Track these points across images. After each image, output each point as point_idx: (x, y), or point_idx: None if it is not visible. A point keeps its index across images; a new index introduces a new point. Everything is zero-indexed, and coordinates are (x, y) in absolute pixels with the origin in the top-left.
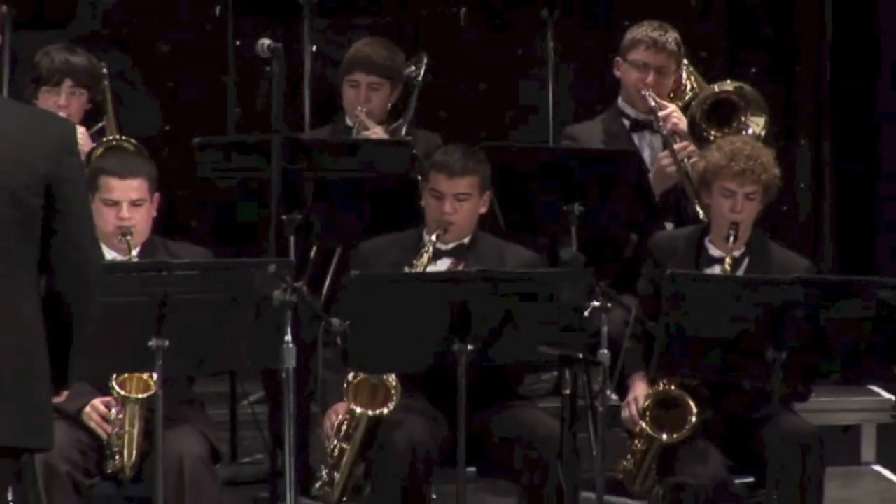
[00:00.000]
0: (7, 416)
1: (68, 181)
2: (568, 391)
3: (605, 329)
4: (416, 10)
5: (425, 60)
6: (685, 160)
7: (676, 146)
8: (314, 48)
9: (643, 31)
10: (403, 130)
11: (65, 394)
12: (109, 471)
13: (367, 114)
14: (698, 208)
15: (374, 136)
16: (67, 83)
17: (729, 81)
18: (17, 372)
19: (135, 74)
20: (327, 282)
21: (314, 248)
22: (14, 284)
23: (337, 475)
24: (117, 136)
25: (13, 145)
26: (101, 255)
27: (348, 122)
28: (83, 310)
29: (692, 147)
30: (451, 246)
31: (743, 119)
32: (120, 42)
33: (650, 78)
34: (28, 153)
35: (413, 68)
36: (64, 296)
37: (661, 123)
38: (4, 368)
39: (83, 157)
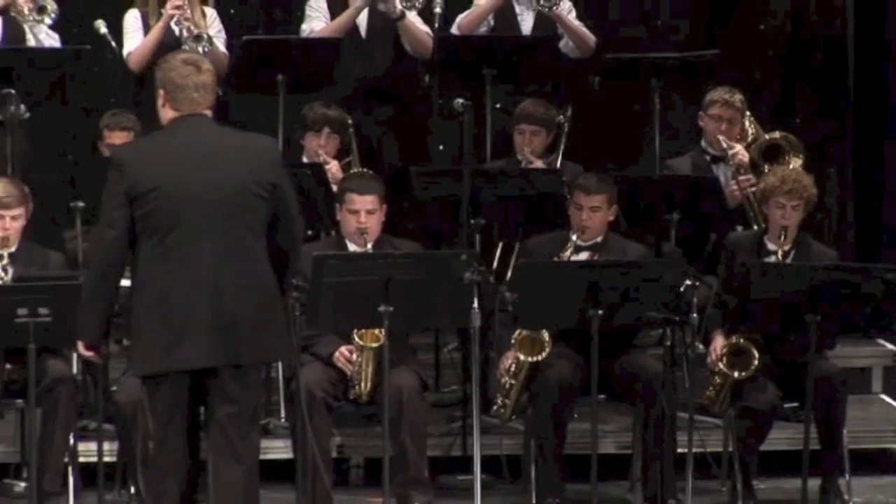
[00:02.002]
0: (271, 339)
1: (283, 177)
2: (669, 343)
3: (694, 300)
4: (563, 78)
5: (570, 113)
6: (747, 188)
7: (742, 178)
8: (497, 105)
9: (718, 93)
10: (557, 163)
11: None
12: (351, 397)
13: (530, 152)
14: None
15: (536, 167)
16: (325, 130)
17: (778, 132)
18: (270, 309)
19: (370, 125)
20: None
21: (500, 245)
22: (264, 252)
23: (508, 401)
24: (360, 169)
25: (251, 158)
26: (303, 224)
27: (518, 156)
28: (297, 253)
29: (753, 180)
30: (588, 243)
31: (787, 157)
32: (360, 101)
33: (723, 127)
34: (260, 162)
35: (562, 118)
36: (287, 247)
37: (731, 159)
38: (275, 311)
39: (335, 184)
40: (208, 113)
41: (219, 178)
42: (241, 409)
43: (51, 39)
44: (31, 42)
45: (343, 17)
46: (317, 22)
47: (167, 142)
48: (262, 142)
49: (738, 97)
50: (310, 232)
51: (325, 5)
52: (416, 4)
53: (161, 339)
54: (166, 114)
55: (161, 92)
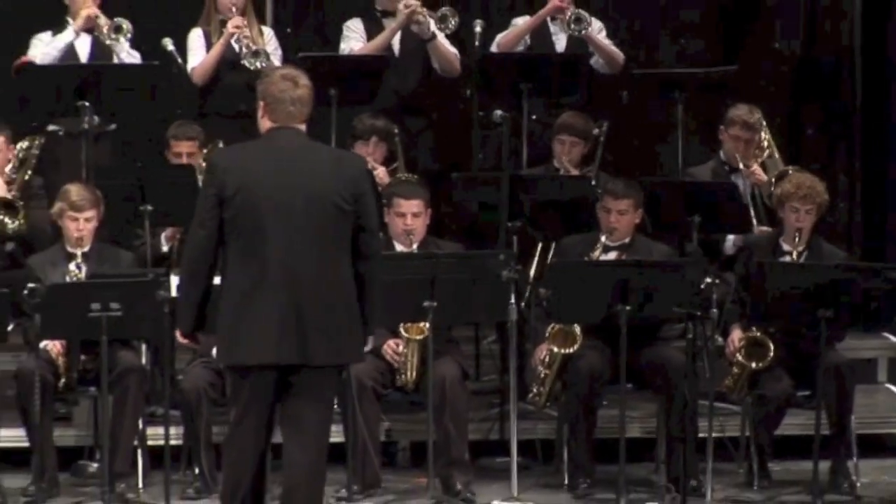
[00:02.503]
0: (344, 343)
1: (367, 193)
2: (691, 336)
3: (714, 296)
4: (597, 92)
5: (605, 126)
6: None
7: (763, 228)
8: (533, 117)
9: (738, 113)
10: (594, 174)
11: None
12: (398, 385)
13: (568, 161)
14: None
15: (571, 174)
16: (373, 138)
17: (791, 167)
18: (353, 317)
19: (403, 133)
20: None
21: (540, 245)
22: (343, 260)
23: (543, 389)
24: (405, 174)
25: (336, 172)
26: (381, 239)
27: (555, 164)
28: (377, 269)
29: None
30: (617, 244)
31: None
32: (404, 112)
33: (741, 147)
34: (344, 176)
35: (597, 131)
36: (366, 260)
37: (746, 178)
38: (350, 316)
39: (382, 188)
40: (302, 126)
41: (303, 185)
42: (316, 404)
43: (132, 58)
44: (116, 60)
45: (380, 38)
46: (355, 42)
47: (259, 149)
48: (349, 156)
49: (756, 116)
50: None
51: (361, 26)
52: (449, 27)
53: (239, 335)
54: (264, 124)
55: (261, 103)
